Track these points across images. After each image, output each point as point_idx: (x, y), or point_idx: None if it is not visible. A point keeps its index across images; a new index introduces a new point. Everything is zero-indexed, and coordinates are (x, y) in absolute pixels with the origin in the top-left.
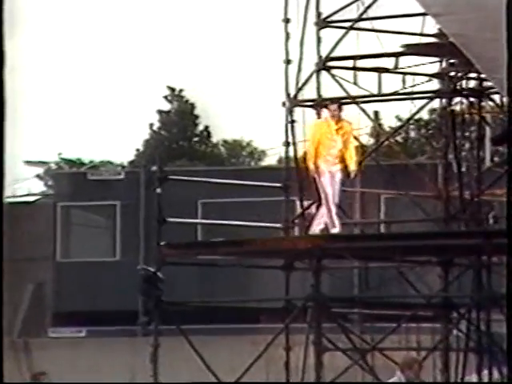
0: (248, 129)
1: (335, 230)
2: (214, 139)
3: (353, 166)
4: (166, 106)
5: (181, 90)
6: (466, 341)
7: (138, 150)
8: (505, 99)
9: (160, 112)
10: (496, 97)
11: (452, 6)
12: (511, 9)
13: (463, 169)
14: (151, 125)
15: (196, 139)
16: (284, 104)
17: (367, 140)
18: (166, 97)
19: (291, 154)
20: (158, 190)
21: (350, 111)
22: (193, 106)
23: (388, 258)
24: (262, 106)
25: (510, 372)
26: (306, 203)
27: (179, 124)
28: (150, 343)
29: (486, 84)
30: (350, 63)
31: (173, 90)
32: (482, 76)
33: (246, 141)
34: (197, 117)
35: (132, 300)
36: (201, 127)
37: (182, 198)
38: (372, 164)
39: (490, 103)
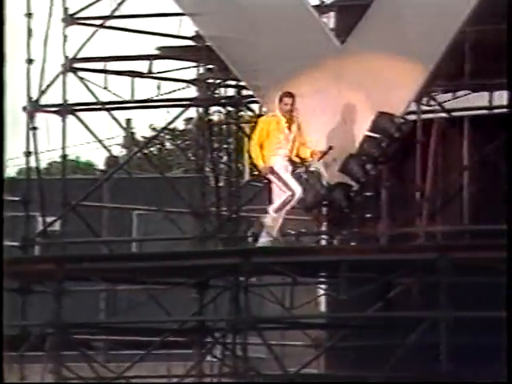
0: None
1: (274, 216)
2: None
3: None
4: None
5: None
6: (221, 366)
7: None
8: (264, 109)
9: None
10: (255, 106)
11: (208, 6)
12: None
13: (221, 183)
14: None
15: None
16: (25, 109)
17: (119, 151)
18: None
19: (32, 164)
20: None
21: (99, 118)
22: None
23: (139, 279)
24: None
25: (509, 372)
26: (48, 219)
27: None
28: None
29: (246, 92)
30: (100, 65)
31: None
32: (241, 84)
33: None
34: None
35: None
36: None
37: None
38: (124, 177)
39: (249, 113)
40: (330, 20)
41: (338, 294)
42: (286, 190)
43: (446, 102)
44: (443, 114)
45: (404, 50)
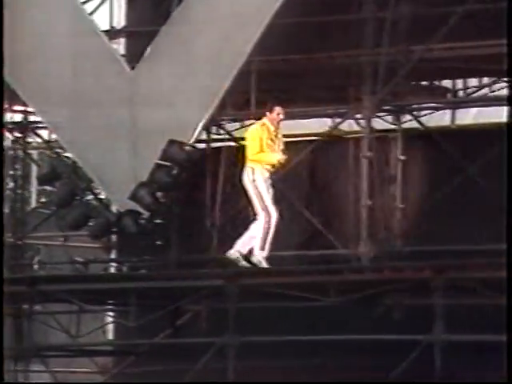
0: None
1: (263, 255)
2: None
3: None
4: None
5: None
6: None
7: None
8: (53, 135)
9: None
10: (43, 132)
11: None
12: None
13: (6, 210)
14: None
15: None
16: None
17: None
18: None
19: None
20: None
21: None
22: None
23: None
24: None
25: (510, 372)
26: None
27: None
28: None
29: (33, 118)
30: None
31: None
32: (29, 109)
33: None
34: None
35: None
36: None
37: None
38: None
39: (37, 139)
40: (121, 46)
41: (127, 322)
42: (258, 208)
43: (234, 130)
44: (232, 143)
45: (193, 78)
